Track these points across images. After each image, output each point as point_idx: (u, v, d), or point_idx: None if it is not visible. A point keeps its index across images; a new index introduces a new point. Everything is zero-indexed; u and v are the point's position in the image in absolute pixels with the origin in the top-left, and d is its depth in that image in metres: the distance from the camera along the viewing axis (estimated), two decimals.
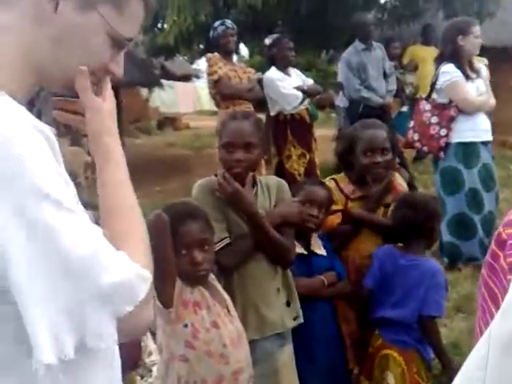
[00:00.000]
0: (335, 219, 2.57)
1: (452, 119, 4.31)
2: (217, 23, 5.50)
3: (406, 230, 2.43)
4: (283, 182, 2.34)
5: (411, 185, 5.96)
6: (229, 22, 5.50)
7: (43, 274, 0.80)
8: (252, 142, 2.13)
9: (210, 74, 5.28)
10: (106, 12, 0.97)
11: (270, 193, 2.25)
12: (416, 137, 4.52)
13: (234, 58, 5.87)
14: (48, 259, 0.80)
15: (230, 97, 5.21)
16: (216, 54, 5.38)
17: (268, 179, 2.33)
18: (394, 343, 2.36)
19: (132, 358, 1.13)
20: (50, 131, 0.89)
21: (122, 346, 1.02)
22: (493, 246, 1.06)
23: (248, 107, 5.26)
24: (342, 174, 2.69)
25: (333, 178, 2.68)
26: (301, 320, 2.28)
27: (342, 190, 2.60)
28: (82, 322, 0.83)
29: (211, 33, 5.48)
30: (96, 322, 0.84)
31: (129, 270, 0.89)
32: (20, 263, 0.79)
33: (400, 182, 2.72)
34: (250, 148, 2.12)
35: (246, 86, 5.33)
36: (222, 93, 5.22)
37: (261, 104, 5.63)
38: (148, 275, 0.93)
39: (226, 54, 5.42)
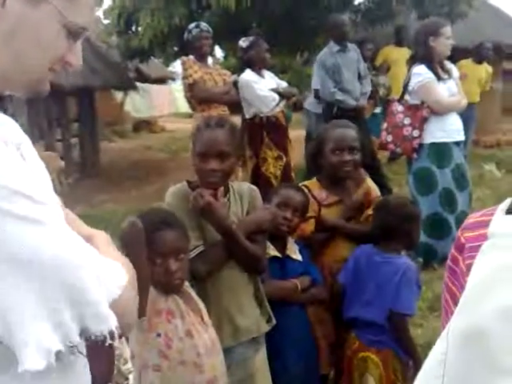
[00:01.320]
0: (308, 226, 2.57)
1: (424, 120, 4.36)
2: (191, 26, 5.46)
3: (382, 234, 2.44)
4: (255, 188, 2.32)
5: (383, 186, 6.01)
6: (203, 25, 5.47)
7: (34, 265, 0.78)
8: (226, 152, 2.08)
9: (184, 78, 5.26)
10: (56, 2, 0.94)
11: (242, 200, 2.23)
12: (389, 138, 4.56)
13: (209, 60, 5.84)
14: (35, 250, 0.79)
15: (206, 100, 5.19)
16: (191, 56, 5.35)
17: (240, 186, 2.31)
18: (370, 344, 2.36)
19: (104, 372, 1.12)
20: (21, 141, 0.90)
21: (93, 364, 1.02)
22: (453, 250, 1.09)
23: (224, 110, 5.25)
24: (314, 180, 2.69)
25: (304, 185, 2.67)
26: (273, 322, 2.28)
27: (314, 197, 2.60)
28: (80, 308, 0.82)
29: (186, 35, 5.45)
30: (94, 305, 0.84)
31: (105, 259, 0.90)
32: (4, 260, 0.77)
33: (372, 186, 2.72)
34: (224, 158, 2.08)
35: (221, 89, 5.31)
36: (197, 96, 5.21)
37: (236, 106, 5.62)
38: (120, 267, 0.94)
39: (201, 57, 5.40)
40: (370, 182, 2.73)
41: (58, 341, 0.79)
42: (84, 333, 0.83)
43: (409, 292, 2.32)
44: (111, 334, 0.86)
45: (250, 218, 2.20)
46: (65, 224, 0.86)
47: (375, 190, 2.72)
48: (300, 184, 2.72)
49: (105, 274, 0.87)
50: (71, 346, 0.81)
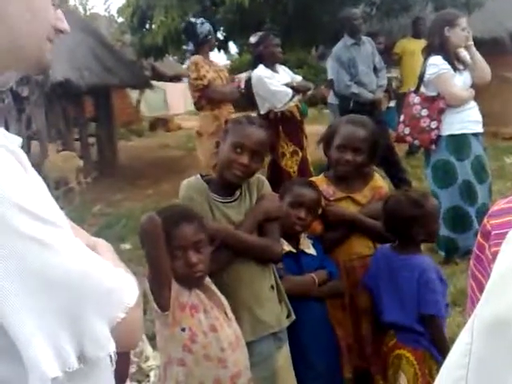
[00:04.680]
0: (317, 225, 2.53)
1: (442, 111, 4.30)
2: (201, 20, 5.43)
3: (397, 236, 2.38)
4: (263, 177, 2.32)
5: (402, 180, 5.96)
6: (205, 20, 5.47)
7: (35, 288, 0.78)
8: (262, 153, 2.15)
9: (198, 79, 5.21)
10: None
11: (251, 191, 2.23)
12: (407, 131, 4.50)
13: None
14: (37, 273, 0.79)
15: (218, 101, 5.16)
16: (199, 56, 5.31)
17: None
18: (406, 343, 2.32)
19: (121, 371, 1.11)
20: (18, 148, 0.87)
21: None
22: (479, 237, 1.08)
23: (230, 109, 5.23)
24: (322, 176, 2.66)
25: (312, 181, 2.63)
26: (293, 317, 2.27)
27: (321, 193, 2.53)
28: (80, 332, 0.82)
29: (199, 29, 5.37)
30: (93, 331, 0.83)
31: (116, 276, 0.89)
32: (10, 279, 0.77)
33: (381, 183, 2.67)
34: (256, 157, 2.12)
35: (229, 88, 5.29)
36: (210, 97, 5.17)
37: (250, 103, 5.61)
38: (133, 280, 0.93)
39: (207, 54, 5.38)
40: (378, 179, 2.67)
41: (56, 367, 0.79)
42: (81, 357, 0.82)
43: (431, 293, 2.24)
44: (109, 358, 0.86)
45: (258, 206, 2.19)
46: (72, 243, 0.85)
47: (384, 188, 2.66)
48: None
49: (111, 295, 0.87)
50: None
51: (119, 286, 0.89)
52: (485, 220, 1.06)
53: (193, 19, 5.50)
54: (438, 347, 2.26)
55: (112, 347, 0.86)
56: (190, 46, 5.47)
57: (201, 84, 5.17)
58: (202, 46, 5.36)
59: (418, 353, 2.29)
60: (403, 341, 2.33)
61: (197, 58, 5.32)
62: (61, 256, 0.81)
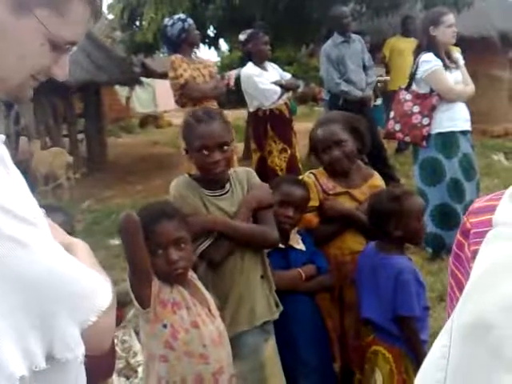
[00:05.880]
0: (313, 218, 2.54)
1: (434, 108, 4.30)
2: (172, 21, 5.27)
3: (377, 232, 2.39)
4: (250, 169, 2.38)
5: (390, 177, 5.98)
6: (185, 17, 5.36)
7: (6, 287, 0.78)
8: (226, 141, 2.13)
9: (174, 78, 5.12)
10: (43, 15, 0.90)
11: (242, 184, 2.26)
12: (397, 127, 4.50)
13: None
14: (11, 272, 0.78)
15: (199, 99, 5.14)
16: (178, 55, 5.24)
17: (237, 171, 2.33)
18: (383, 340, 2.32)
19: (106, 366, 1.11)
20: (1, 144, 0.87)
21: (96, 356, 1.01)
22: (458, 235, 1.06)
23: (213, 105, 5.20)
24: (322, 169, 2.67)
25: (312, 173, 2.65)
26: (281, 307, 2.29)
27: (321, 186, 2.57)
28: (49, 333, 0.82)
29: (169, 31, 5.22)
30: (63, 332, 0.83)
31: (91, 279, 0.89)
32: None
33: (380, 182, 2.68)
34: (224, 147, 2.12)
35: (211, 85, 5.22)
36: (189, 96, 5.13)
37: (241, 100, 5.59)
38: (108, 283, 0.93)
39: (188, 52, 5.31)
40: (377, 179, 2.69)
41: (23, 366, 0.78)
42: (49, 357, 0.82)
43: (406, 294, 2.24)
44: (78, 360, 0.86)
45: (251, 195, 2.23)
46: (49, 244, 0.85)
47: (382, 186, 2.67)
48: (308, 172, 2.70)
49: (84, 298, 0.87)
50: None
51: (93, 289, 0.89)
52: (464, 218, 1.05)
53: (166, 20, 5.39)
54: (411, 348, 2.25)
55: (81, 350, 0.85)
56: (165, 50, 5.39)
57: (178, 83, 5.13)
58: (179, 45, 5.22)
59: (394, 350, 2.29)
60: (380, 337, 2.33)
61: (174, 57, 5.19)
62: (35, 256, 0.81)
